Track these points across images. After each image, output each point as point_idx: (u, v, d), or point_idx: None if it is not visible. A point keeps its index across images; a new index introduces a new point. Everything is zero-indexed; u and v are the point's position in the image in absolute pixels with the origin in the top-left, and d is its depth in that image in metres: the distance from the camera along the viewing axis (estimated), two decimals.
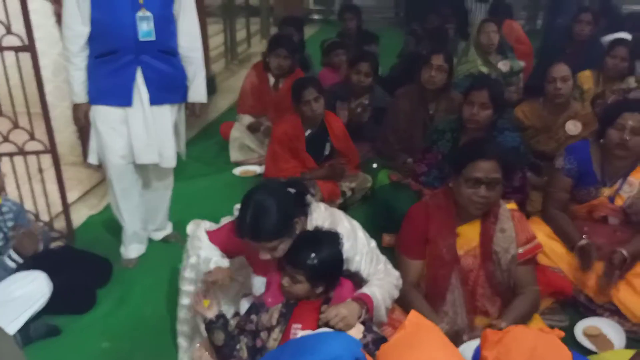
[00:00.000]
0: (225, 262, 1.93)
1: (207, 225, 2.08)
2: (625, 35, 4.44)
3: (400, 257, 2.12)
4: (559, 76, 3.06)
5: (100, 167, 2.81)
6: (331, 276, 1.84)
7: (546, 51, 4.42)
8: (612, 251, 2.24)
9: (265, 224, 1.74)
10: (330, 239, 1.84)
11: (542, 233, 2.39)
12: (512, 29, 4.87)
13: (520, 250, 2.03)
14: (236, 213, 1.88)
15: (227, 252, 1.99)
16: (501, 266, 2.02)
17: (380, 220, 2.87)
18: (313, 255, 1.76)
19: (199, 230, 2.03)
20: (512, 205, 2.12)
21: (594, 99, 3.46)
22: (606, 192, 2.39)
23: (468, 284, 2.04)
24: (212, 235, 2.01)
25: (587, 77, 3.65)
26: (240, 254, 2.01)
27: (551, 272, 2.31)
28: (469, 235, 2.04)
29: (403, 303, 2.04)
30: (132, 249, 2.71)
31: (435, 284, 2.06)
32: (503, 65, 4.06)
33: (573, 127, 3.08)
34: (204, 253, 1.95)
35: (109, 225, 2.92)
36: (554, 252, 2.38)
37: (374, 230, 2.74)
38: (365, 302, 1.80)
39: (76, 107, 2.47)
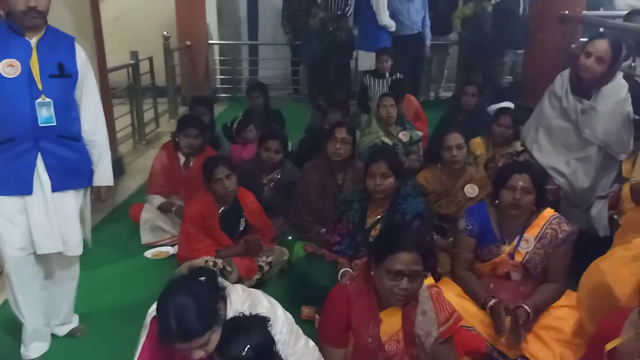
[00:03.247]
0: None
1: None
2: (508, 104, 4.93)
3: (323, 346, 2.06)
4: (454, 144, 3.31)
5: None
6: None
7: (441, 121, 4.77)
8: (516, 307, 2.36)
9: (191, 321, 1.68)
10: (260, 326, 1.82)
11: (453, 293, 2.47)
12: (410, 103, 5.25)
13: (442, 329, 2.04)
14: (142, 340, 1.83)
15: None
16: (425, 348, 2.03)
17: (298, 293, 2.87)
18: (248, 347, 1.73)
19: None
20: (429, 280, 2.15)
21: (486, 163, 3.74)
22: (506, 249, 2.52)
23: None
24: None
25: (478, 144, 3.97)
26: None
27: (465, 331, 2.35)
28: (390, 320, 2.03)
29: None
30: (33, 349, 2.49)
31: None
32: (403, 136, 4.33)
33: (471, 190, 3.31)
34: None
35: (7, 324, 2.68)
36: (466, 311, 2.43)
37: (292, 303, 2.75)
38: None
39: None
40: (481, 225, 2.58)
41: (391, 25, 6.36)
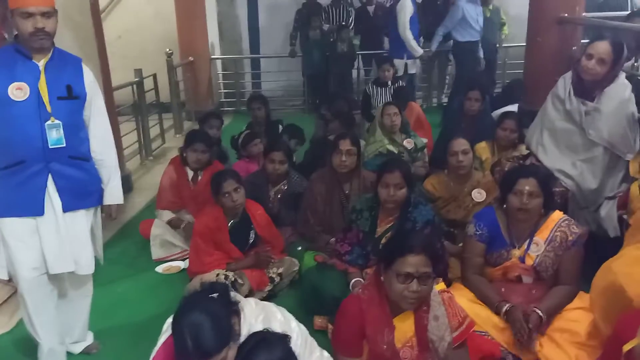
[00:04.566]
0: None
1: None
2: (513, 107, 4.94)
3: (338, 356, 2.07)
4: (459, 149, 3.32)
5: (9, 282, 2.63)
6: None
7: (445, 127, 4.79)
8: (528, 313, 2.35)
9: (208, 340, 1.69)
10: (282, 343, 1.82)
11: (465, 298, 2.48)
12: (412, 110, 5.28)
13: (455, 334, 2.05)
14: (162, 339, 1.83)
15: None
16: (439, 354, 2.03)
17: (310, 303, 2.88)
18: None
19: None
20: (440, 286, 2.16)
21: (492, 167, 3.75)
22: (516, 253, 2.52)
23: None
24: None
25: (483, 148, 3.98)
26: None
27: (478, 336, 2.35)
28: (403, 327, 2.04)
29: None
30: None
31: None
32: (408, 143, 4.34)
33: (478, 195, 3.32)
34: None
35: (22, 344, 2.70)
36: (479, 316, 2.43)
37: (304, 313, 2.76)
38: None
39: None
40: (490, 229, 2.58)
41: (408, 41, 6.44)
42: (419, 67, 7.12)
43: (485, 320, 2.45)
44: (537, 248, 2.50)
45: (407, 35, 6.43)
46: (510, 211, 2.54)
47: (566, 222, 2.52)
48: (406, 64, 6.68)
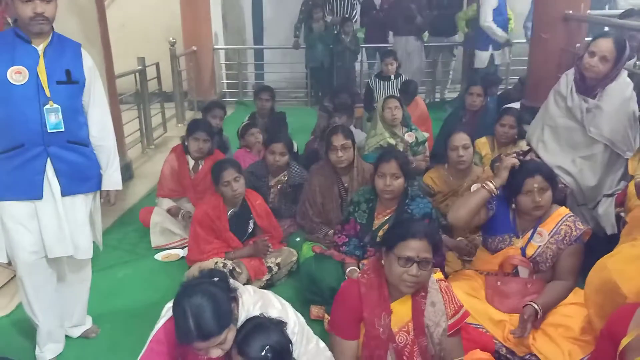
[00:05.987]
0: None
1: None
2: (514, 104, 4.94)
3: (334, 339, 2.10)
4: (460, 144, 3.33)
5: (9, 265, 2.65)
6: None
7: (446, 121, 4.79)
8: (524, 305, 2.37)
9: (209, 320, 1.72)
10: (278, 328, 1.86)
11: (461, 291, 2.49)
12: (417, 105, 5.28)
13: (450, 322, 2.08)
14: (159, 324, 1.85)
15: None
16: (433, 339, 2.06)
17: (307, 293, 2.90)
18: (267, 347, 1.77)
19: None
20: (438, 275, 2.19)
21: (492, 163, 3.76)
22: (518, 242, 2.54)
23: (402, 359, 2.06)
24: None
25: (483, 144, 3.99)
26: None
27: (473, 329, 2.37)
28: (401, 311, 2.07)
29: None
30: (48, 350, 2.53)
31: None
32: (409, 137, 4.33)
33: None
34: None
35: (21, 327, 2.73)
36: (474, 309, 2.44)
37: (301, 303, 2.78)
38: None
39: None
40: (499, 209, 2.60)
41: (490, 29, 6.34)
42: (507, 57, 6.93)
43: (481, 314, 2.47)
44: (541, 238, 2.51)
45: (490, 25, 6.33)
46: (522, 210, 2.54)
47: (572, 218, 2.53)
48: (492, 55, 6.59)
